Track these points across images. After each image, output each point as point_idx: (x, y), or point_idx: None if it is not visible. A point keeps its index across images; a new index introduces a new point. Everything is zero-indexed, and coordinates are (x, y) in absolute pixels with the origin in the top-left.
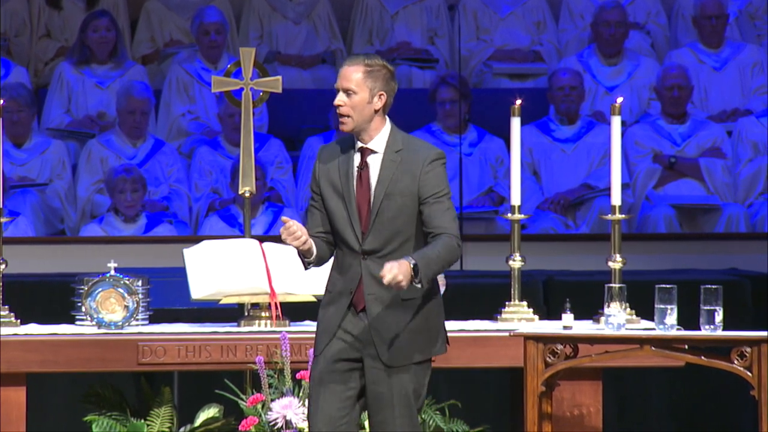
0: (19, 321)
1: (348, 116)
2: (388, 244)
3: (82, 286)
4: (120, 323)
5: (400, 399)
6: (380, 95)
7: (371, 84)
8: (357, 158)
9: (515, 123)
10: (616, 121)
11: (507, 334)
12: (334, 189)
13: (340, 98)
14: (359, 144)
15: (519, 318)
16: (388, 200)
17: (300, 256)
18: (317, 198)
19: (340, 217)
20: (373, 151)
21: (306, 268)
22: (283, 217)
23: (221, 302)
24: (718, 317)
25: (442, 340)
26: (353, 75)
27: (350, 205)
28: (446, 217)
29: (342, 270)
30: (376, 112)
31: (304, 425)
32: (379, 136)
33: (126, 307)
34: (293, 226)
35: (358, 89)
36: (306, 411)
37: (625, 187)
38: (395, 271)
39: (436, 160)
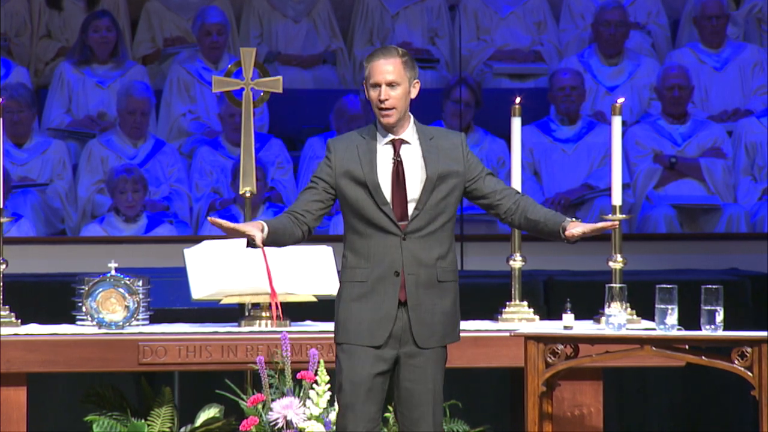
0: (19, 321)
1: (394, 108)
2: (430, 224)
3: (83, 286)
4: (120, 323)
5: (434, 396)
6: (415, 84)
7: (409, 74)
8: (388, 150)
9: (515, 123)
10: (616, 121)
11: (507, 334)
12: (353, 179)
13: (386, 92)
14: (390, 136)
15: (519, 318)
16: (441, 182)
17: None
18: (323, 185)
19: (367, 204)
20: (405, 142)
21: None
22: (210, 218)
23: (222, 302)
24: (719, 317)
25: (458, 327)
26: (393, 67)
27: (376, 192)
28: (502, 183)
29: (373, 255)
30: (412, 100)
31: (305, 425)
32: (410, 127)
33: (126, 307)
34: (223, 223)
35: (401, 80)
36: (305, 411)
37: (625, 187)
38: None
39: (465, 141)
